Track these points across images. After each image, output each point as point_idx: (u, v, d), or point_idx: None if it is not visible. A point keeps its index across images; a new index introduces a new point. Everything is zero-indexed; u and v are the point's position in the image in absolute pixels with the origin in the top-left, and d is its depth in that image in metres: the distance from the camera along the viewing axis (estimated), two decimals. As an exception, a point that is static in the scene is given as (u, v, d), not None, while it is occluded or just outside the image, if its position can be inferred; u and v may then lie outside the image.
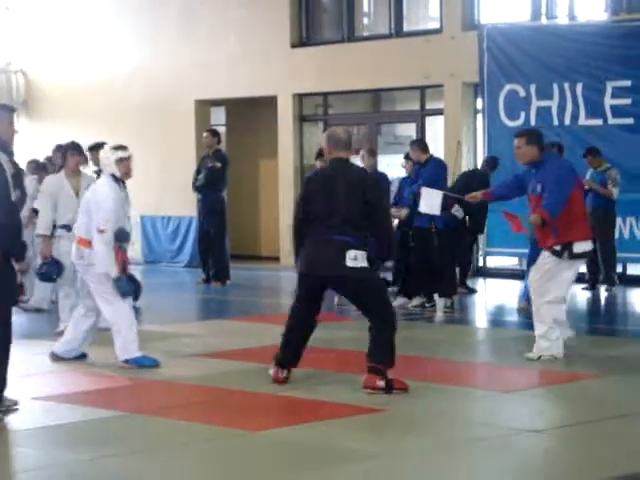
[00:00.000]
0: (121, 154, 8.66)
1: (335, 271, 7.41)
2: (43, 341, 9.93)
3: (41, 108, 19.93)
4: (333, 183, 7.51)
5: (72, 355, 8.80)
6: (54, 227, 10.30)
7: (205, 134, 15.13)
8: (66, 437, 6.45)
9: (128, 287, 8.55)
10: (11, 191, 6.88)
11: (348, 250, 7.37)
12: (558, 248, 8.53)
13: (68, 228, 10.22)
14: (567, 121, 13.92)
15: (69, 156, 10.37)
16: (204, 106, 18.38)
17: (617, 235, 13.49)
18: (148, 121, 18.42)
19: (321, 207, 7.50)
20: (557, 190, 8.52)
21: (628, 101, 13.41)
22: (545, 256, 8.60)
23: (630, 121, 13.37)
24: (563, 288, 8.61)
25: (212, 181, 14.68)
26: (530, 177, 8.85)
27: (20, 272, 7.25)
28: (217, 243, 14.78)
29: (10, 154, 7.16)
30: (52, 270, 10.08)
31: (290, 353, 7.73)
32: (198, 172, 14.88)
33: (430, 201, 10.59)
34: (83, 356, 8.85)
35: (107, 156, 8.66)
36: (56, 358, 8.81)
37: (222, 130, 19.15)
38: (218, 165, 14.65)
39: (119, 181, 8.68)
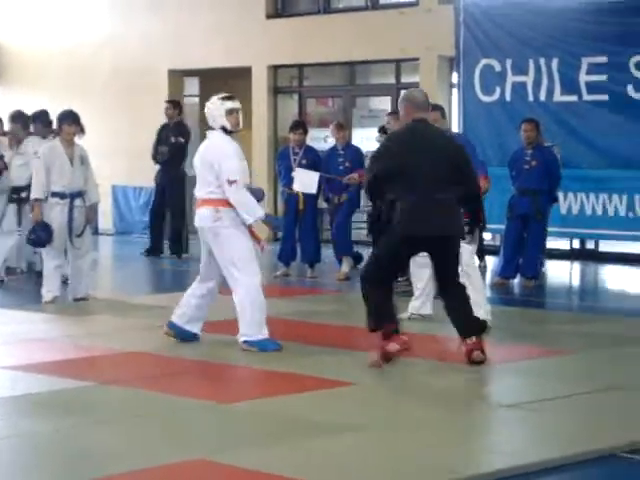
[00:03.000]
0: (231, 105, 8.04)
1: (451, 232, 7.18)
2: (9, 310, 9.85)
3: (10, 74, 19.69)
4: (422, 143, 7.26)
5: (190, 329, 8.16)
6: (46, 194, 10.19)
7: (166, 105, 14.99)
8: (32, 407, 6.37)
9: (278, 222, 8.37)
10: None
11: (458, 210, 7.21)
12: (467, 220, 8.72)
13: (62, 196, 10.15)
14: (542, 97, 13.87)
15: (65, 125, 10.24)
16: (177, 76, 18.22)
17: (590, 212, 13.51)
18: (120, 90, 18.25)
19: (413, 166, 7.15)
20: (477, 160, 8.87)
21: (603, 77, 13.37)
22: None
23: (605, 98, 13.35)
24: None
25: (175, 155, 14.62)
26: None
27: None
28: (177, 216, 14.73)
29: None
30: (42, 235, 10.01)
31: (383, 312, 7.33)
32: (158, 142, 14.77)
33: (305, 180, 11.17)
34: (195, 336, 8.20)
35: (216, 107, 8.05)
36: (171, 330, 8.16)
37: (195, 101, 19.02)
38: (182, 140, 14.64)
39: (231, 134, 8.06)
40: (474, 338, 7.31)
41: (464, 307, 7.37)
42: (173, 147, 14.59)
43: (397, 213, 7.19)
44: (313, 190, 10.70)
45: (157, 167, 14.92)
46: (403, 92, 7.66)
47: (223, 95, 8.14)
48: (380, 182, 7.29)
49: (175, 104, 15.04)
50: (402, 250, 7.35)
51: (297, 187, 11.98)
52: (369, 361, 7.28)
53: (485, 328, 7.38)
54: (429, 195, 7.14)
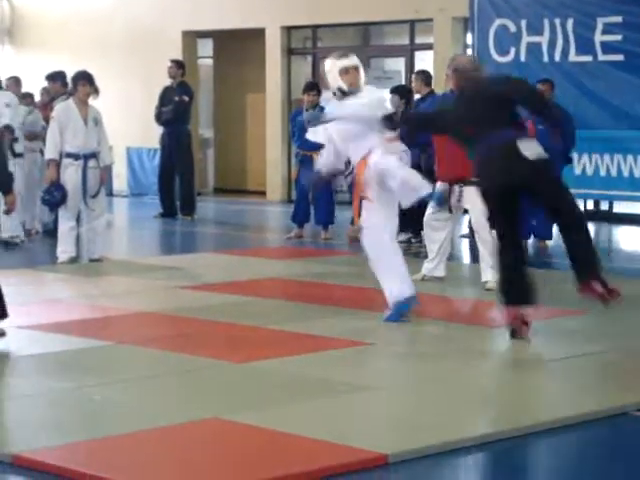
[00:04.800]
0: (346, 62, 7.39)
1: (521, 170, 6.62)
2: (25, 270, 9.92)
3: (26, 36, 19.68)
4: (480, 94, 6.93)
5: None
6: (60, 155, 10.22)
7: (170, 65, 14.93)
8: (51, 366, 6.44)
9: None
10: None
11: (519, 141, 6.66)
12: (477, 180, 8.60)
13: (75, 156, 10.16)
14: (557, 57, 13.79)
15: (80, 85, 10.25)
16: (191, 38, 18.18)
17: (604, 173, 13.47)
18: (135, 52, 18.22)
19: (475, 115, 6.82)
20: None
21: (619, 37, 13.29)
22: (476, 191, 8.58)
23: (620, 58, 13.27)
24: None
25: (179, 114, 14.61)
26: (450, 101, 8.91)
27: (8, 206, 7.16)
28: (186, 177, 14.76)
29: None
30: (57, 196, 10.04)
31: (515, 290, 6.80)
32: (162, 104, 14.75)
33: None
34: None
35: (329, 67, 7.43)
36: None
37: (209, 62, 19.00)
38: (186, 99, 14.61)
39: (347, 94, 7.38)
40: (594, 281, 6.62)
41: (575, 240, 6.67)
42: (177, 106, 14.57)
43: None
44: None
45: (161, 130, 14.93)
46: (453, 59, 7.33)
47: (339, 53, 7.57)
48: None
49: (179, 64, 15.00)
50: (492, 203, 6.95)
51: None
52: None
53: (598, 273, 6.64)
54: (494, 140, 6.75)
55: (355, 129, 7.37)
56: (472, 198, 8.83)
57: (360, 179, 7.42)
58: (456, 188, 8.87)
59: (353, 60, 7.40)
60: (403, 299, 7.39)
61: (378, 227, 7.40)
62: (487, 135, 6.77)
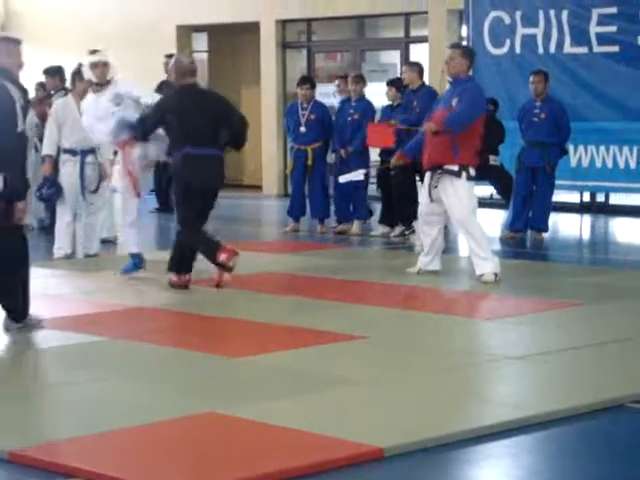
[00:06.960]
0: (93, 58, 9.27)
1: (219, 184, 8.77)
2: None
3: (20, 32, 19.60)
4: (198, 104, 8.40)
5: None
6: (58, 151, 10.21)
7: (165, 60, 14.85)
8: (47, 361, 6.45)
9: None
10: (19, 123, 6.76)
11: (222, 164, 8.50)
12: (456, 168, 8.66)
13: (73, 152, 10.13)
14: (552, 49, 13.79)
15: (78, 81, 10.24)
16: (186, 32, 18.15)
17: (600, 164, 13.47)
18: (129, 46, 18.13)
19: (195, 123, 8.30)
20: (467, 108, 8.68)
21: (614, 29, 13.28)
22: (454, 182, 8.72)
23: (615, 49, 13.26)
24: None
25: None
26: (446, 96, 8.97)
27: (21, 212, 7.05)
28: None
29: (20, 86, 7.04)
30: (51, 191, 10.03)
31: (189, 261, 8.57)
32: None
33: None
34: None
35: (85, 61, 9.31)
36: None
37: (204, 57, 18.96)
38: None
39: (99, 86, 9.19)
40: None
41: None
42: None
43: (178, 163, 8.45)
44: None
45: None
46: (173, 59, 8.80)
47: (91, 50, 9.34)
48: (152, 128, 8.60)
49: None
50: (193, 197, 8.50)
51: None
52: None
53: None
54: (208, 150, 8.57)
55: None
56: (452, 192, 8.78)
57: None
58: (435, 175, 8.83)
59: (101, 57, 9.22)
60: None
61: None
62: (203, 143, 8.52)
